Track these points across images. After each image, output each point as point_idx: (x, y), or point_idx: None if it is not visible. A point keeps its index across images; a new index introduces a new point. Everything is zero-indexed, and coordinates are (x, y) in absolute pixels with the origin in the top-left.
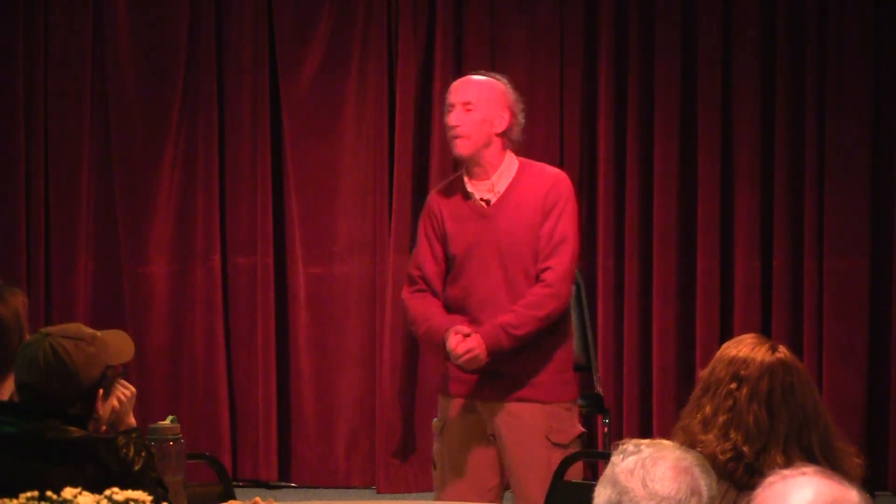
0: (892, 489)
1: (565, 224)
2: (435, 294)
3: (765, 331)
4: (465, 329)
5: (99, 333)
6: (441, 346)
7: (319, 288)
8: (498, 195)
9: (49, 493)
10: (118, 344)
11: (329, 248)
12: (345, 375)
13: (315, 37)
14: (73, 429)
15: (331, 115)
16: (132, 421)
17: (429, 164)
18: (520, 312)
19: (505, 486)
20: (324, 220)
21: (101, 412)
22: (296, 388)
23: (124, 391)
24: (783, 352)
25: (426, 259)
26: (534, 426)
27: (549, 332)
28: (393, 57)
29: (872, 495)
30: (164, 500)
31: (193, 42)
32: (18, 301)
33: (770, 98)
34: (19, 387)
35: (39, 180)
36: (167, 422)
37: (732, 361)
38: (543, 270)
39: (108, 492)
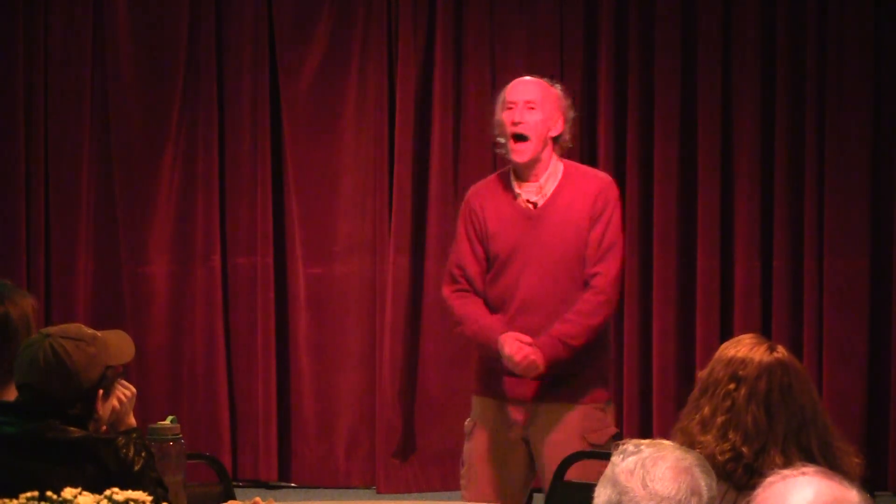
0: (892, 489)
1: (614, 229)
2: (477, 293)
3: (765, 331)
4: (526, 338)
5: (99, 334)
6: (491, 346)
7: (319, 288)
8: (545, 197)
9: (49, 493)
10: (118, 344)
11: (329, 248)
12: (345, 375)
13: (315, 37)
14: (73, 429)
15: (331, 115)
16: (132, 421)
17: (429, 164)
18: (576, 321)
19: (531, 489)
20: (324, 220)
21: (101, 412)
22: (296, 388)
23: (124, 391)
24: (781, 352)
25: (468, 259)
26: (571, 427)
27: None
28: (393, 57)
29: (872, 495)
30: (164, 501)
31: (193, 42)
32: (28, 304)
33: (770, 98)
34: (19, 387)
35: (39, 180)
36: (167, 422)
37: (731, 362)
38: (593, 276)
39: (108, 492)
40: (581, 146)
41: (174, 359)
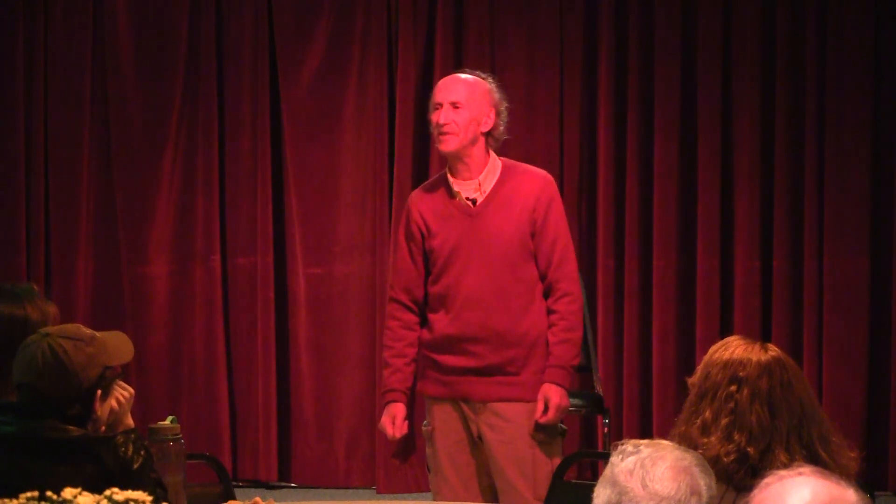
0: (892, 489)
1: (563, 227)
2: (415, 304)
3: (765, 331)
4: (401, 414)
5: (98, 334)
6: (383, 394)
7: (319, 288)
8: (484, 195)
9: (49, 493)
10: (117, 345)
11: (329, 248)
12: (345, 375)
13: (315, 37)
14: (72, 428)
15: (331, 115)
16: (130, 422)
17: (429, 164)
18: (568, 339)
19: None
20: (324, 220)
21: (99, 413)
22: (296, 388)
23: (123, 392)
24: (774, 349)
25: (405, 265)
26: (518, 425)
27: (534, 330)
28: (393, 57)
29: (872, 495)
30: (164, 500)
31: (193, 42)
32: (50, 311)
33: (770, 98)
34: (18, 386)
35: (39, 180)
36: (167, 422)
37: (728, 364)
38: (558, 281)
39: (108, 492)
40: (581, 146)
41: (174, 359)
